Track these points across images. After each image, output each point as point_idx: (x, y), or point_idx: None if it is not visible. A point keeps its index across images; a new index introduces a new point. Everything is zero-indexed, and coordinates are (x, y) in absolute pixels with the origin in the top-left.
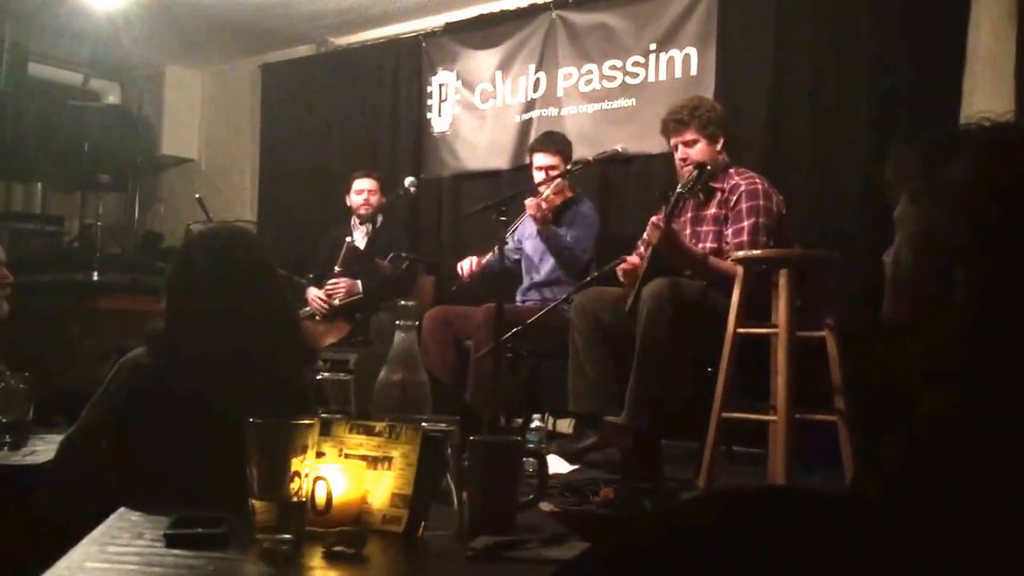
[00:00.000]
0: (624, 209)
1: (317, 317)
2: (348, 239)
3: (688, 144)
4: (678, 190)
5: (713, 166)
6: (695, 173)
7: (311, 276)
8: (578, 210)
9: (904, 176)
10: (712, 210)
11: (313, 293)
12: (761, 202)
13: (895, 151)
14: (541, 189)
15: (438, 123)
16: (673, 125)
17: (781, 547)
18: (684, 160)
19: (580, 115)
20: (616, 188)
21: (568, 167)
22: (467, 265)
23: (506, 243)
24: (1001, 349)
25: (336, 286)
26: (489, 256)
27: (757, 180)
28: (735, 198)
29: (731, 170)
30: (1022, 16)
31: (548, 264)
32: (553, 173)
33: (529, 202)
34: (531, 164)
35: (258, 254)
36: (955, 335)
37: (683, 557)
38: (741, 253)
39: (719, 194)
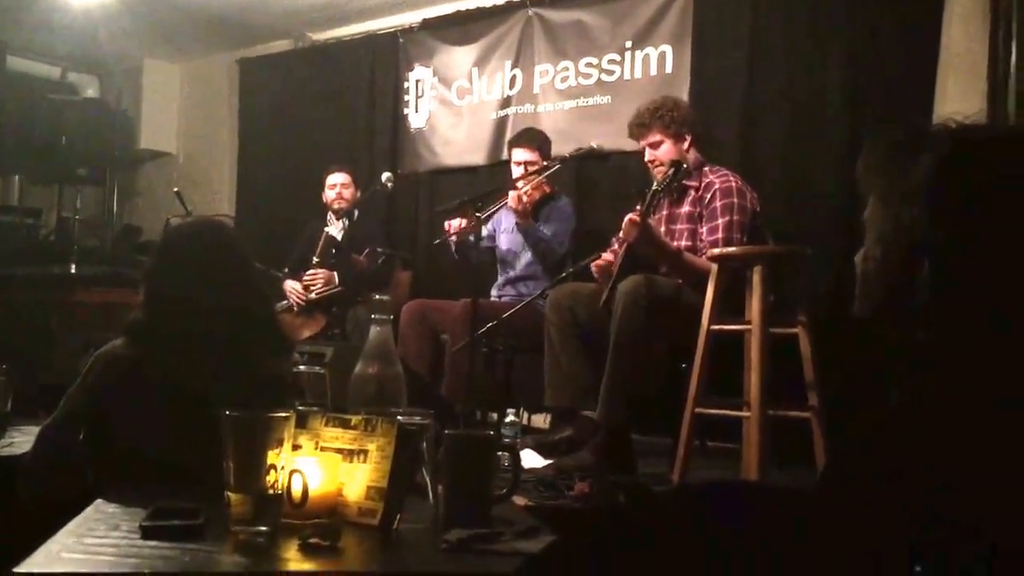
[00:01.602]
0: (600, 205)
1: (294, 309)
2: (327, 229)
3: (654, 146)
4: (654, 187)
5: (687, 164)
6: (671, 171)
7: (287, 270)
8: (555, 206)
9: (872, 173)
10: (686, 208)
11: (290, 285)
12: (735, 200)
13: (865, 148)
14: (519, 184)
15: (415, 119)
16: (636, 129)
17: (749, 539)
18: (652, 162)
19: (556, 112)
20: (592, 185)
21: (546, 163)
22: (457, 223)
23: (481, 238)
24: (964, 331)
25: (314, 277)
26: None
27: (731, 178)
28: (709, 196)
29: (705, 168)
30: (995, 15)
31: (524, 259)
32: (532, 169)
33: (512, 196)
34: (510, 159)
35: (236, 247)
36: (921, 321)
37: (655, 549)
38: (716, 251)
39: (692, 192)
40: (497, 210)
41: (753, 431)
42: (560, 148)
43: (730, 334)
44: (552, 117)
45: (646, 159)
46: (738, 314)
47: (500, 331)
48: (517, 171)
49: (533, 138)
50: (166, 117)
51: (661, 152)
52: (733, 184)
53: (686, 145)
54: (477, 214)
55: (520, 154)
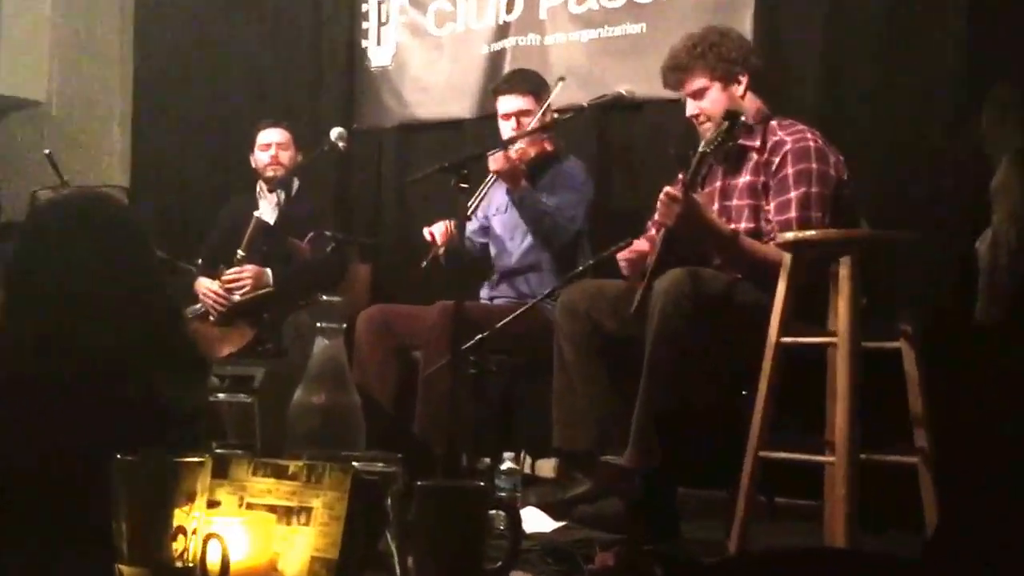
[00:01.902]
0: (630, 175)
1: (211, 317)
2: (256, 214)
3: (697, 95)
4: (701, 149)
5: (744, 115)
6: (725, 126)
7: (200, 262)
8: (560, 169)
9: (1005, 131)
10: (746, 178)
11: (206, 285)
12: (814, 165)
13: (992, 98)
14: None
15: (376, 54)
16: (671, 74)
17: None
18: (697, 117)
19: (570, 45)
20: (619, 146)
21: (554, 115)
22: (440, 228)
23: (468, 218)
24: None
25: (239, 276)
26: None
27: (808, 136)
28: (778, 160)
29: (772, 122)
30: None
31: (524, 244)
32: (526, 121)
33: (494, 156)
34: (496, 113)
35: (129, 230)
36: None
37: None
38: (788, 235)
39: (755, 155)
40: (487, 188)
41: (839, 482)
42: (575, 95)
43: (808, 349)
44: (565, 52)
45: (688, 113)
46: (818, 322)
47: (493, 345)
48: (507, 128)
49: (526, 79)
50: (33, 54)
51: (707, 102)
52: (811, 144)
53: (740, 90)
54: (467, 204)
55: (508, 103)
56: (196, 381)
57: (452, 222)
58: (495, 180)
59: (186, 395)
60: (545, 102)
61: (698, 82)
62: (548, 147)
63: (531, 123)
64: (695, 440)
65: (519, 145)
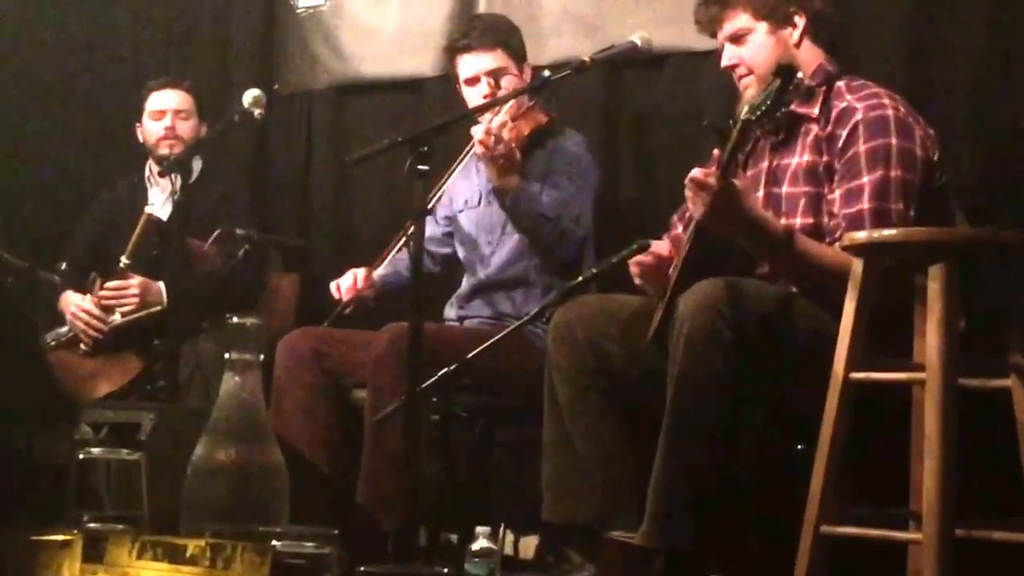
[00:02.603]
0: (647, 153)
1: (83, 345)
2: (148, 209)
3: (737, 39)
4: (743, 117)
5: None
6: (775, 85)
7: (64, 267)
8: (558, 148)
9: None
10: (803, 156)
11: (74, 302)
12: (894, 140)
13: None
14: (486, 116)
15: None
16: (704, 12)
17: None
18: (735, 69)
19: None
20: (633, 115)
21: (544, 73)
22: (348, 282)
23: (429, 212)
24: None
25: (122, 290)
26: (384, 266)
27: (887, 102)
28: (846, 134)
29: (838, 84)
30: None
31: (506, 247)
32: (506, 83)
33: (477, 132)
34: (456, 83)
35: None
36: None
37: None
38: (860, 234)
39: (814, 127)
40: (457, 170)
41: (927, 566)
42: (573, 46)
43: (886, 389)
44: None
45: (724, 63)
46: (900, 352)
47: (463, 382)
48: (475, 95)
49: (491, 29)
50: None
51: (750, 49)
52: (890, 112)
53: (795, 36)
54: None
55: (473, 62)
56: (59, 431)
57: (367, 270)
58: (467, 161)
59: (46, 450)
60: (523, 56)
61: (738, 21)
62: (542, 119)
63: (509, 86)
64: (734, 511)
65: (501, 118)
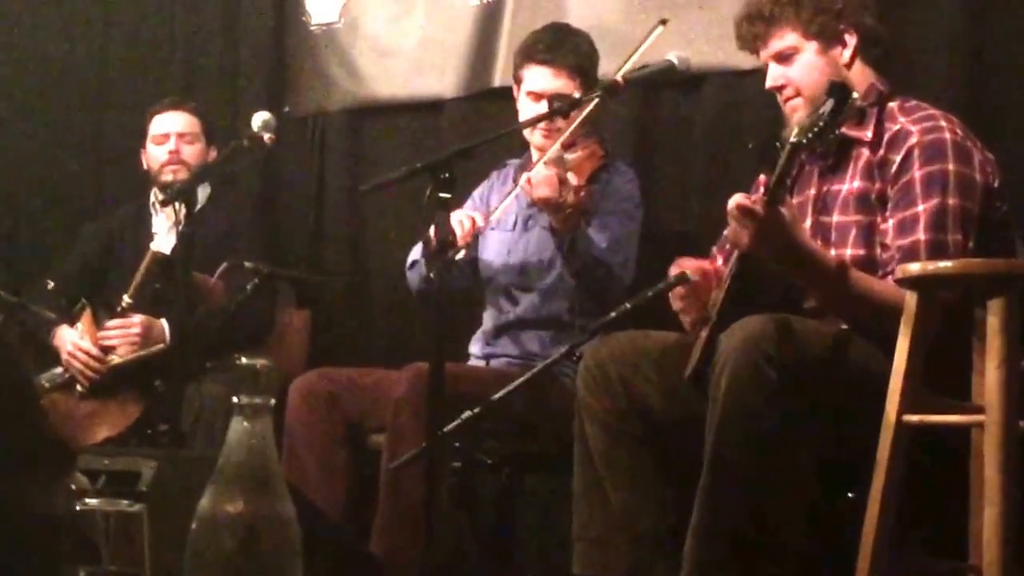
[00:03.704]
0: (685, 178)
1: (79, 387)
2: (154, 246)
3: (783, 58)
4: (792, 140)
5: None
6: (828, 106)
7: (50, 287)
8: (611, 184)
9: None
10: (854, 183)
11: (70, 340)
12: (951, 166)
13: None
14: (538, 141)
15: (318, 7)
16: (749, 29)
17: None
18: (780, 90)
19: None
20: (670, 138)
21: (574, 96)
22: (465, 219)
23: (457, 251)
24: None
25: (123, 330)
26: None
27: (943, 124)
28: (900, 159)
29: (890, 105)
30: None
31: (540, 284)
32: (563, 112)
33: (542, 176)
34: (517, 90)
35: None
36: None
37: None
38: (914, 266)
39: (866, 151)
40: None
41: None
42: (604, 66)
43: (943, 432)
44: (589, 4)
45: (769, 84)
46: (958, 392)
47: (487, 427)
48: (528, 110)
49: (575, 51)
50: None
51: (798, 69)
52: (947, 136)
53: (846, 55)
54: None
55: (543, 79)
56: (53, 480)
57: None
58: (507, 172)
59: (38, 501)
60: (591, 86)
61: (786, 39)
62: (600, 153)
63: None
64: (779, 567)
65: (564, 154)
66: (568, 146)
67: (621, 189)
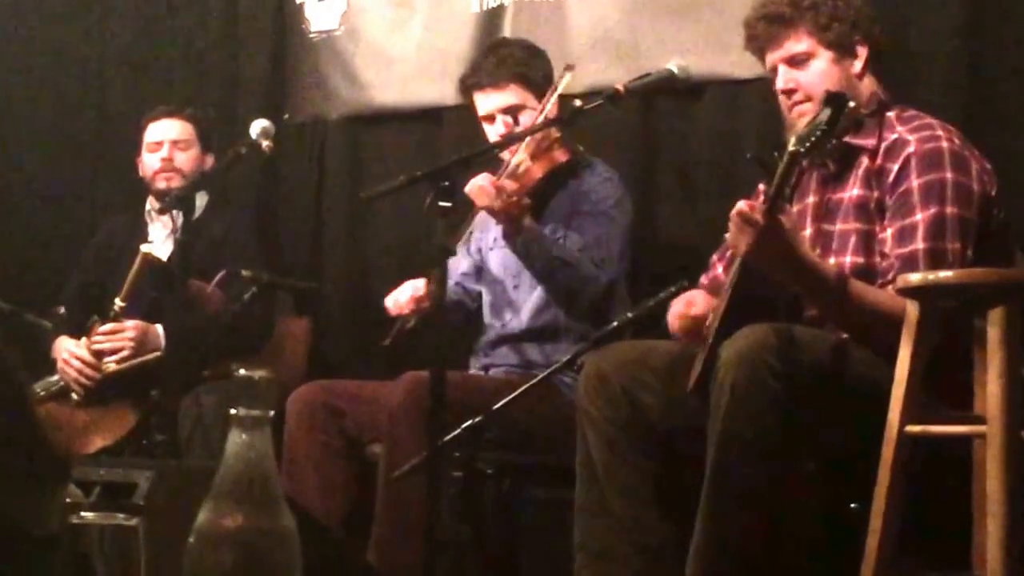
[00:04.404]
0: (685, 187)
1: (75, 395)
2: (145, 246)
3: (796, 62)
4: (790, 148)
5: (856, 102)
6: (826, 114)
7: (62, 311)
8: (583, 186)
9: None
10: (854, 191)
11: (67, 348)
12: (949, 175)
13: None
14: (503, 154)
15: (318, 14)
16: (764, 30)
17: None
18: (789, 94)
19: (598, 2)
20: (670, 147)
21: (575, 103)
22: (406, 294)
23: (453, 253)
24: None
25: (117, 335)
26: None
27: (941, 133)
28: (898, 167)
29: (888, 114)
30: None
31: (535, 293)
32: (525, 119)
33: (476, 186)
34: (474, 111)
35: None
36: None
37: None
38: (914, 276)
39: (866, 159)
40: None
41: None
42: (605, 74)
43: (944, 443)
44: (591, 10)
45: (780, 86)
46: (959, 402)
47: (488, 436)
48: (492, 133)
49: (500, 65)
50: None
51: (812, 75)
52: (944, 145)
53: (858, 66)
54: (452, 245)
55: (486, 101)
56: (48, 492)
57: (426, 282)
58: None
59: (32, 513)
60: (545, 86)
61: (802, 43)
62: (561, 158)
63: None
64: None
65: (518, 158)
66: (514, 152)
67: (596, 190)
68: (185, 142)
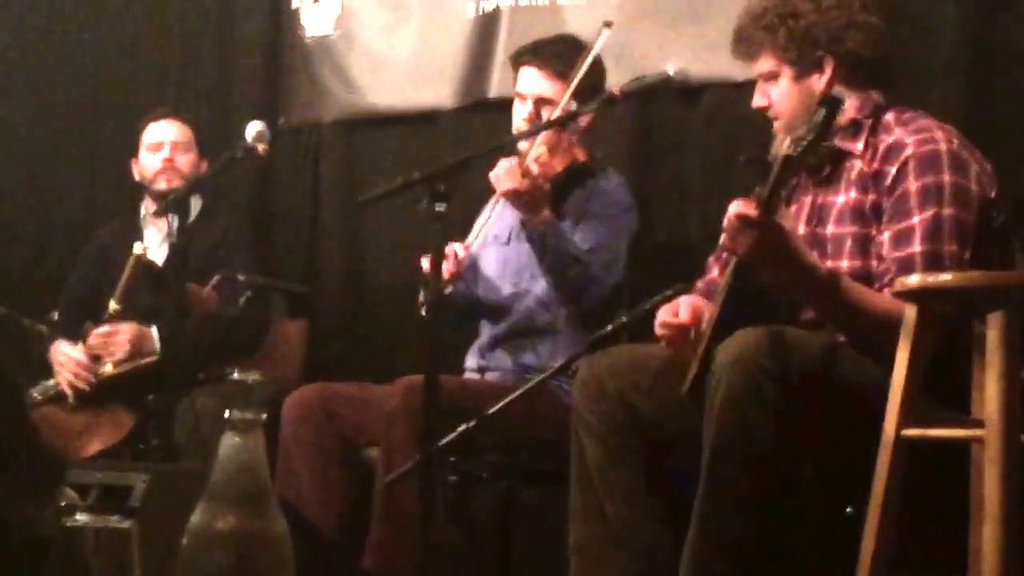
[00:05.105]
0: (681, 190)
1: (70, 399)
2: (138, 246)
3: (767, 78)
4: (784, 151)
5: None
6: (820, 115)
7: (57, 317)
8: (598, 188)
9: None
10: (848, 194)
11: (64, 352)
12: (947, 177)
13: None
14: (523, 146)
15: (313, 18)
16: (735, 48)
17: None
18: (764, 109)
19: (596, 4)
20: (666, 149)
21: (581, 107)
22: (451, 251)
23: (447, 285)
24: None
25: (112, 338)
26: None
27: (939, 135)
28: (895, 170)
29: (886, 116)
30: None
31: (532, 292)
32: (548, 112)
33: (502, 169)
34: (514, 79)
35: None
36: None
37: None
38: (912, 279)
39: (859, 162)
40: (491, 214)
41: None
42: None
43: (942, 447)
44: (587, 14)
45: (754, 104)
46: (957, 406)
47: (483, 441)
48: (521, 111)
49: (560, 55)
50: None
51: (776, 94)
52: (942, 146)
53: (821, 82)
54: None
55: (530, 80)
56: (44, 495)
57: (464, 245)
58: (492, 207)
59: (28, 516)
60: (588, 99)
61: (764, 64)
62: (580, 156)
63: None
64: None
65: (536, 151)
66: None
67: (608, 193)
68: (185, 144)
